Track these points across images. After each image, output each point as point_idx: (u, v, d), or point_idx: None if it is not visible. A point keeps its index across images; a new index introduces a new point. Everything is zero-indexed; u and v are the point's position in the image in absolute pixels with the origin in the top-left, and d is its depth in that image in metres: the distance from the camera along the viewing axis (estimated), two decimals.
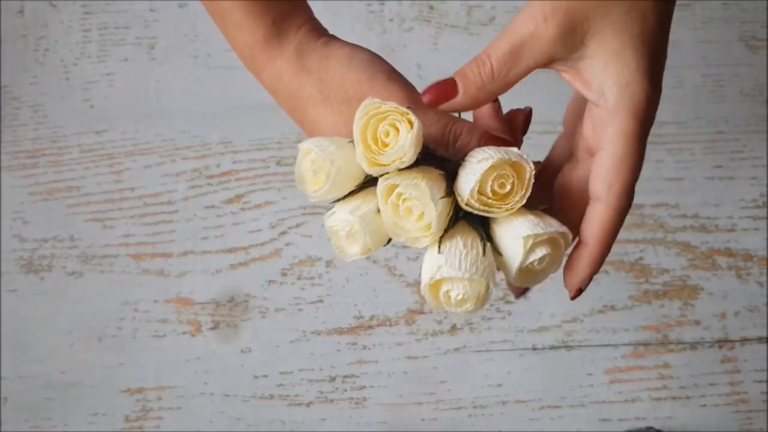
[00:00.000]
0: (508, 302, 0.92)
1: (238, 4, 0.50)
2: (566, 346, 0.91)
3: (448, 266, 0.45)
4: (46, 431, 0.91)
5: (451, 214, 0.46)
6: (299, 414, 0.91)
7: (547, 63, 0.44)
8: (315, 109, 0.50)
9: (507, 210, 0.45)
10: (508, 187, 0.45)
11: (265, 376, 0.91)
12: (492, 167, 0.44)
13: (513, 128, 0.48)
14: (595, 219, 0.46)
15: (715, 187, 0.93)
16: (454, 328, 0.91)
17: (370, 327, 0.92)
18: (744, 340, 0.91)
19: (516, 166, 0.45)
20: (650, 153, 0.95)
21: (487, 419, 0.90)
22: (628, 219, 0.92)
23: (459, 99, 0.45)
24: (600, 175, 0.45)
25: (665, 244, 0.92)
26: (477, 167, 0.44)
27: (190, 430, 0.90)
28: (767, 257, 0.92)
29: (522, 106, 0.50)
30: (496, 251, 0.47)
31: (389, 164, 0.45)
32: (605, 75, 0.43)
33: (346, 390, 0.91)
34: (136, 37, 0.95)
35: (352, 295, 0.92)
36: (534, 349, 0.91)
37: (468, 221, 0.47)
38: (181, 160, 0.94)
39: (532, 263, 0.46)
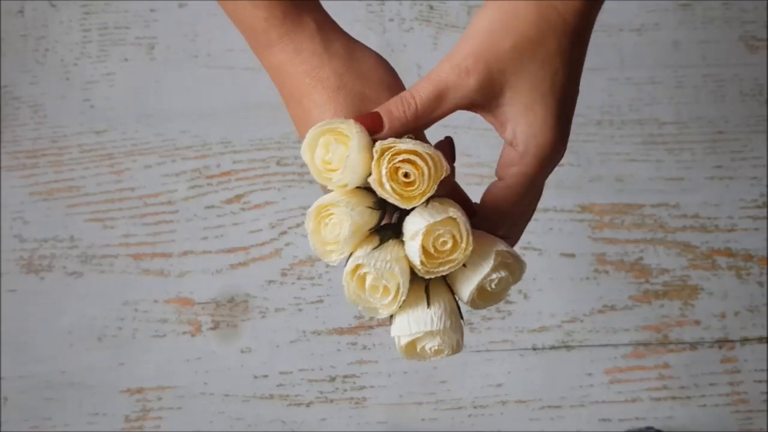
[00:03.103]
0: (508, 302, 0.92)
1: None
2: (566, 346, 0.91)
3: (418, 324, 0.47)
4: (46, 431, 0.91)
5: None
6: (299, 414, 0.91)
7: (468, 107, 0.49)
8: (325, 93, 0.50)
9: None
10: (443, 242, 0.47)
11: (265, 376, 0.91)
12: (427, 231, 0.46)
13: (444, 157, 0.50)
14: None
15: (715, 187, 0.93)
16: None
17: (370, 327, 0.92)
18: (744, 340, 0.91)
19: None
20: (650, 153, 0.95)
21: (487, 419, 0.90)
22: (629, 219, 0.93)
23: (384, 132, 0.49)
24: (496, 200, 0.51)
25: (665, 244, 0.92)
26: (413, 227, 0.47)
27: (190, 430, 0.90)
28: (767, 257, 0.92)
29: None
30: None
31: (416, 199, 0.46)
32: (517, 122, 0.48)
33: (346, 390, 0.91)
34: (136, 37, 0.95)
35: None
36: (534, 349, 0.91)
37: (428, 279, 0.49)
38: (181, 160, 0.94)
39: (489, 285, 0.49)
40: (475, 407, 0.91)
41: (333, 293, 0.92)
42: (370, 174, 0.46)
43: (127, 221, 0.93)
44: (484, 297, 0.49)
